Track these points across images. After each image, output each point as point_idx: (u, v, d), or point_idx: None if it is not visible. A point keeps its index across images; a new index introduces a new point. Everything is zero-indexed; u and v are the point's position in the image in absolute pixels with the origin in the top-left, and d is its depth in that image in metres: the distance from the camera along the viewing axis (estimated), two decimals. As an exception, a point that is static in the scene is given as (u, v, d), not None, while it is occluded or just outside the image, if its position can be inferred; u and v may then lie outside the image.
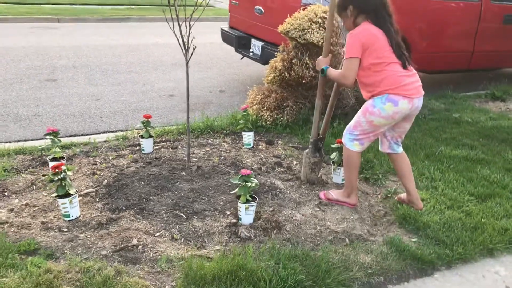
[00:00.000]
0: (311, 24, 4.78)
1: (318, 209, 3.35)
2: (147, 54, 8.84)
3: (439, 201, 3.47)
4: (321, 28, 4.78)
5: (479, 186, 3.77)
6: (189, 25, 3.33)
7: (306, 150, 3.69)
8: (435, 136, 4.90)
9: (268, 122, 4.87)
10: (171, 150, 4.28)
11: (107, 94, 6.31)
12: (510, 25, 6.86)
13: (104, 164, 3.82)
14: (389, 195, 3.64)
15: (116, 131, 4.98)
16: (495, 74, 8.11)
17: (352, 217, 3.28)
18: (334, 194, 3.46)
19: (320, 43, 4.71)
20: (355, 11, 3.07)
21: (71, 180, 3.06)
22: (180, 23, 3.42)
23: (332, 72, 3.25)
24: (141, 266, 2.59)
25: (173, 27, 3.44)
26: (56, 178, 2.94)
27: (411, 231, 3.13)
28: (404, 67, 3.02)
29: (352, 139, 3.22)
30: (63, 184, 2.95)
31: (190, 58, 3.55)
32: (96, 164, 3.85)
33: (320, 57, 3.40)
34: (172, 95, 6.48)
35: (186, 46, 3.46)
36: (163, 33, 11.26)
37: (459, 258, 2.87)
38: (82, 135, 4.89)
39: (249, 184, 3.03)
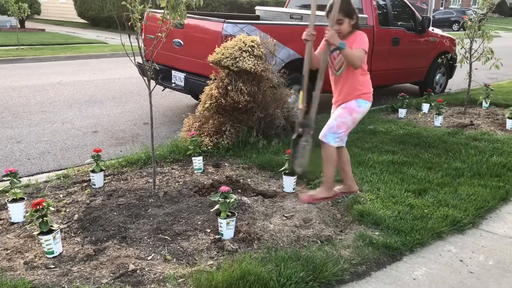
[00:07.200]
0: (241, 52, 5.12)
1: (285, 218, 3.63)
2: (55, 93, 8.55)
3: (385, 199, 3.93)
4: (251, 56, 5.14)
5: (411, 183, 4.32)
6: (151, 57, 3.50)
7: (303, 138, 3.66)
8: (359, 146, 5.45)
9: (209, 147, 5.06)
10: (122, 182, 4.30)
11: (27, 136, 6.06)
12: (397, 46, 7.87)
13: (64, 201, 3.75)
14: (339, 201, 4.00)
15: (49, 171, 4.85)
16: (387, 90, 9.11)
17: (316, 221, 3.59)
18: (318, 193, 3.83)
19: (252, 70, 5.07)
20: (354, 19, 3.61)
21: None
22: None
23: (349, 50, 3.45)
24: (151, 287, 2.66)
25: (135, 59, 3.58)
26: (37, 215, 2.89)
27: (371, 227, 3.52)
28: None
29: (336, 137, 3.69)
30: (45, 220, 2.91)
31: (152, 89, 3.70)
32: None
33: (329, 31, 3.39)
34: (96, 131, 6.40)
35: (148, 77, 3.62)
36: (63, 71, 10.96)
37: (418, 243, 3.32)
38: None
39: (229, 200, 3.22)
